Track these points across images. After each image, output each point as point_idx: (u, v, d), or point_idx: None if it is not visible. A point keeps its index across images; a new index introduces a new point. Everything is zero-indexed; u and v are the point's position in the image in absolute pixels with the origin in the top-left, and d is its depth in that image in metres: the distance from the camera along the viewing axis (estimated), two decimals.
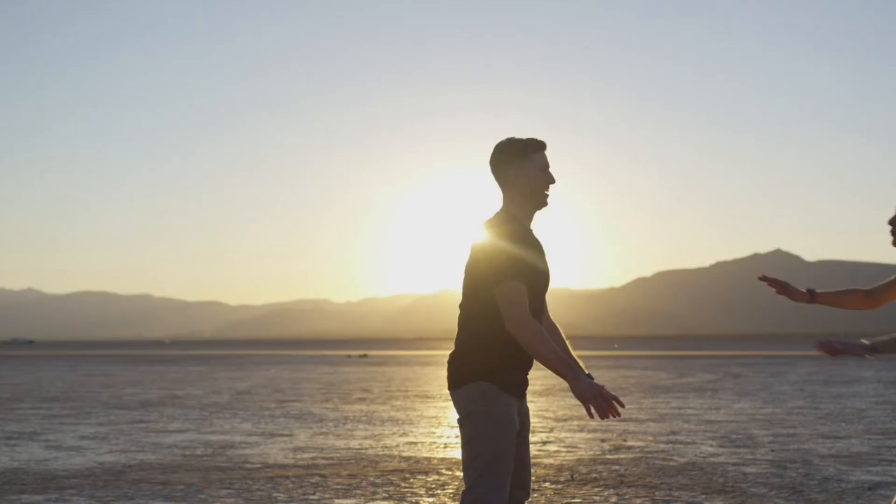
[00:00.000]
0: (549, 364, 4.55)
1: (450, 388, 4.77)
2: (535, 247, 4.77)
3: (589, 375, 4.56)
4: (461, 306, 4.82)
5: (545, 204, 4.82)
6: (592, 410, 4.49)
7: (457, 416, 4.73)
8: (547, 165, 4.81)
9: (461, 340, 4.78)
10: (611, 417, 4.48)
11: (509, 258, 4.63)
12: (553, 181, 4.82)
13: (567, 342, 4.80)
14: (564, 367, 4.54)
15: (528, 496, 4.86)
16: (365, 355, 76.08)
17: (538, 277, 4.74)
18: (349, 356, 74.73)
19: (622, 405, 4.48)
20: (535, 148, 4.79)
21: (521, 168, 4.75)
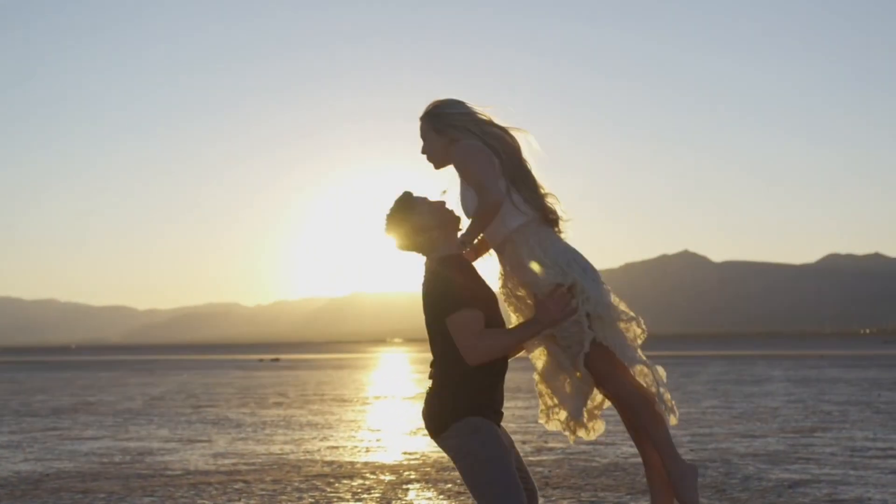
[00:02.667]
0: (521, 341, 4.82)
1: (434, 434, 4.77)
2: (477, 274, 4.87)
3: None
4: (430, 347, 4.86)
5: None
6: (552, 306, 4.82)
7: (451, 458, 4.76)
8: (443, 203, 5.03)
9: (436, 381, 4.80)
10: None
11: (459, 287, 4.67)
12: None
13: None
14: (526, 329, 4.80)
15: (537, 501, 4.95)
16: (277, 359, 75.58)
17: (490, 302, 4.81)
18: (261, 360, 74.18)
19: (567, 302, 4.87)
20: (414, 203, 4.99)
21: (423, 223, 4.93)
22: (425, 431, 15.10)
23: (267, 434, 15.83)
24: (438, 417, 4.72)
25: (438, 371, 4.76)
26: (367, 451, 13.40)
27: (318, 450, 13.50)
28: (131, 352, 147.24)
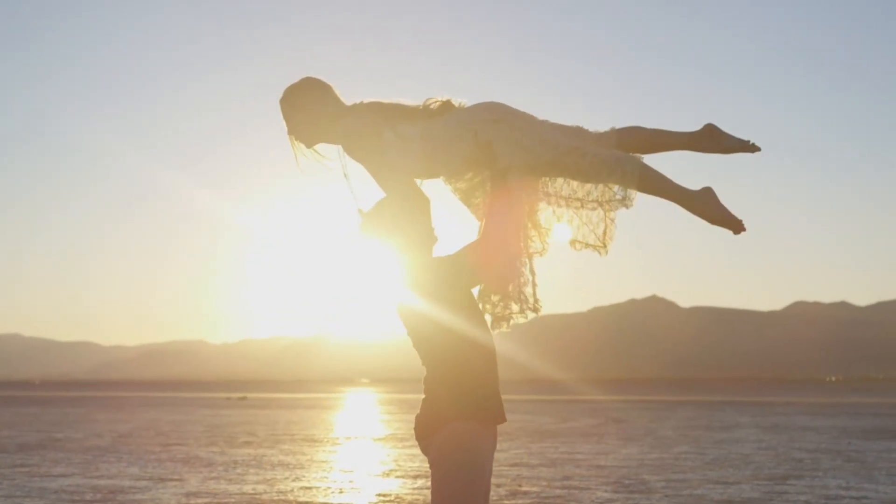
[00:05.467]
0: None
1: (422, 437, 4.70)
2: None
3: None
4: (421, 358, 4.82)
5: None
6: None
7: (429, 460, 4.69)
8: None
9: (428, 385, 4.75)
10: None
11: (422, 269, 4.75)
12: None
13: None
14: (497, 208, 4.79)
15: None
16: (244, 398, 75.16)
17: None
18: (228, 398, 73.74)
19: None
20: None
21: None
22: (399, 472, 15.04)
23: (239, 473, 15.72)
24: (427, 420, 4.66)
25: (428, 376, 4.74)
26: (341, 492, 13.34)
27: (292, 490, 13.42)
28: (97, 388, 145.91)
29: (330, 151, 5.20)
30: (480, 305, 5.06)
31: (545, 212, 5.09)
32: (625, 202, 4.93)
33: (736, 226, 4.94)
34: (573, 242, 5.08)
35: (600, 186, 4.96)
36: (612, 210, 4.98)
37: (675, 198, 4.92)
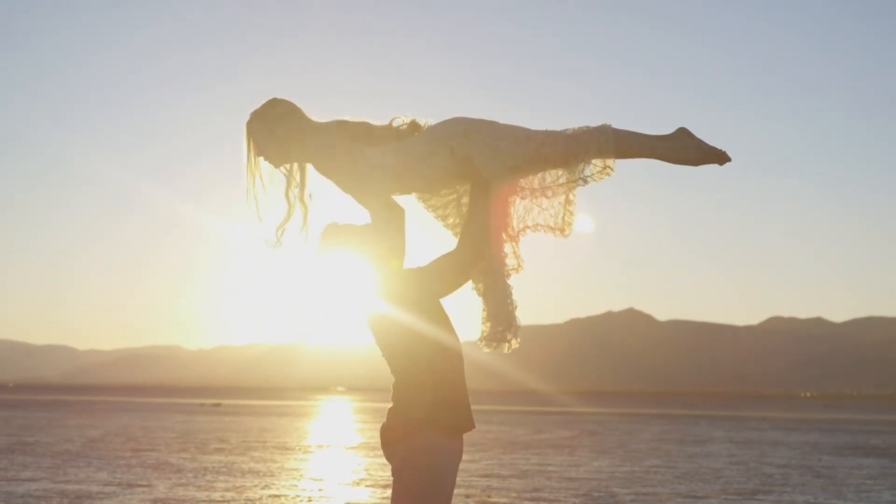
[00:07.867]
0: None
1: (387, 445, 4.68)
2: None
3: None
4: (390, 367, 4.82)
5: None
6: None
7: (392, 471, 4.68)
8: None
9: (396, 394, 4.74)
10: None
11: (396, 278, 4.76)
12: None
13: None
14: (475, 210, 4.78)
15: None
16: (218, 404, 74.93)
17: None
18: (202, 405, 73.52)
19: None
20: None
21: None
22: (369, 481, 15.00)
23: (208, 480, 15.66)
24: (393, 429, 4.65)
25: (396, 384, 4.73)
26: (310, 500, 13.31)
27: (260, 498, 13.38)
28: (71, 392, 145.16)
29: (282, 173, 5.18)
30: (482, 327, 5.05)
31: (515, 214, 5.09)
32: (590, 178, 4.90)
33: (721, 157, 4.91)
34: (533, 227, 5.06)
35: (562, 171, 4.95)
36: (572, 191, 4.95)
37: (654, 152, 4.89)
